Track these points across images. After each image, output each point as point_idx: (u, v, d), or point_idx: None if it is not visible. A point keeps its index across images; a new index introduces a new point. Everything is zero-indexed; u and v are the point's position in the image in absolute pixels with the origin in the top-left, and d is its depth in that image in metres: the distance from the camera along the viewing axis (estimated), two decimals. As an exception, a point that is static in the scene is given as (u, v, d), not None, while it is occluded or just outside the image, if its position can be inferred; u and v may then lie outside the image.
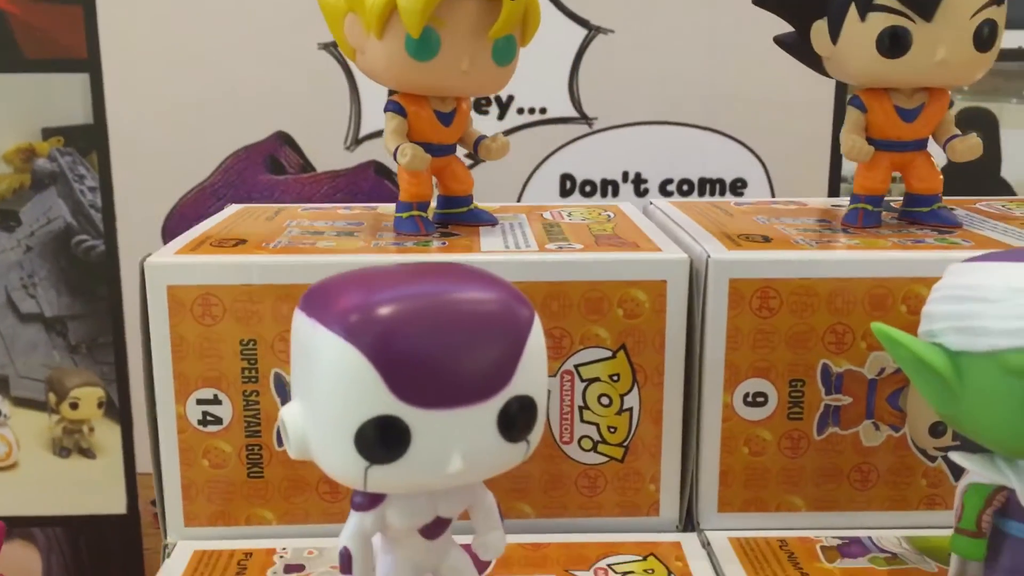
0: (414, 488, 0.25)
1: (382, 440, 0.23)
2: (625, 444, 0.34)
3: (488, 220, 0.38)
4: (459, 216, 0.38)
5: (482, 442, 0.24)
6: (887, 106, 0.37)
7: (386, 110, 0.36)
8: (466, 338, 0.24)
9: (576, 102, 0.86)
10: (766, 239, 0.35)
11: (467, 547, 0.28)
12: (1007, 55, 0.90)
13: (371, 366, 0.23)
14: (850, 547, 0.33)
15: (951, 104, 0.37)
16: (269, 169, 0.80)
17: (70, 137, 0.81)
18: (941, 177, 0.38)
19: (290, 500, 0.34)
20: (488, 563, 0.32)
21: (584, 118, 0.85)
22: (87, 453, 0.83)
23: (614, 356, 0.33)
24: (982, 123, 0.95)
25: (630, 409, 0.34)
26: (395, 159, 0.35)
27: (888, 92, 0.37)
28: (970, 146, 0.37)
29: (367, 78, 0.36)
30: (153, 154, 0.77)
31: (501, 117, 0.86)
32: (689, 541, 0.34)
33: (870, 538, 0.34)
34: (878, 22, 0.34)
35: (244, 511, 0.34)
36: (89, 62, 0.80)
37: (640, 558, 0.33)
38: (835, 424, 0.34)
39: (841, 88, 0.94)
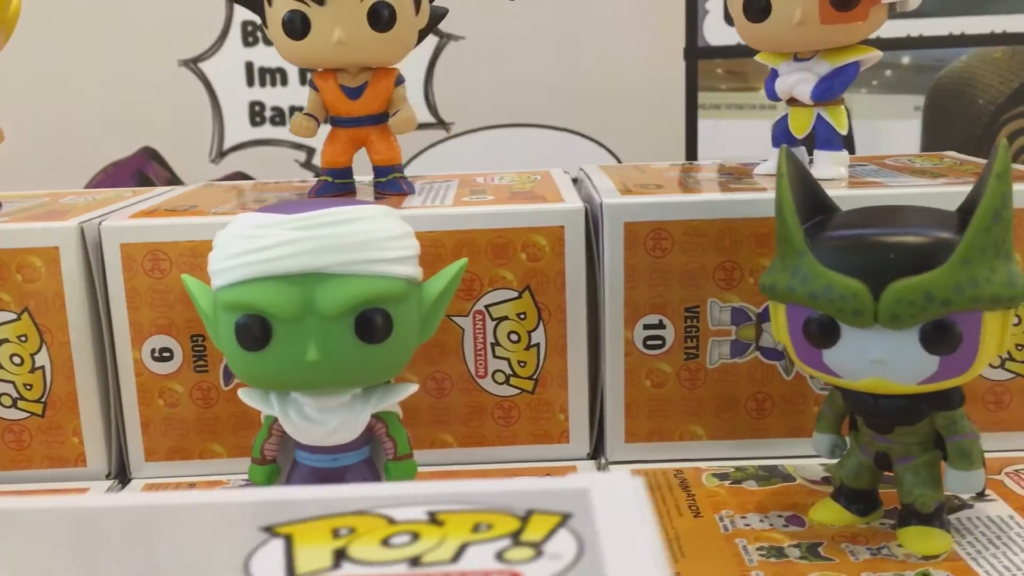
0: None
1: None
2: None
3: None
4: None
5: None
6: (333, 85, 0.40)
7: None
8: None
9: (432, 108, 0.88)
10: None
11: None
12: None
13: None
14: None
15: (400, 81, 0.40)
16: (138, 184, 0.82)
17: (-69, 160, 0.83)
18: (398, 149, 0.41)
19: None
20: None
21: (441, 123, 0.87)
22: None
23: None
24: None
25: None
26: None
27: (335, 73, 0.40)
28: (402, 119, 0.39)
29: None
30: (19, 174, 0.78)
31: (358, 124, 0.88)
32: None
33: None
34: (282, 6, 0.37)
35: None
36: (-52, 83, 0.82)
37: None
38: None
39: (692, 86, 0.96)
